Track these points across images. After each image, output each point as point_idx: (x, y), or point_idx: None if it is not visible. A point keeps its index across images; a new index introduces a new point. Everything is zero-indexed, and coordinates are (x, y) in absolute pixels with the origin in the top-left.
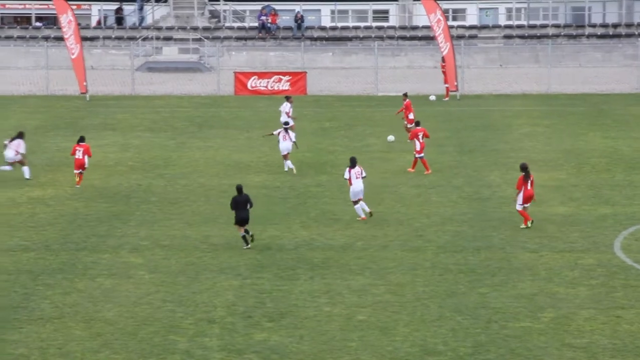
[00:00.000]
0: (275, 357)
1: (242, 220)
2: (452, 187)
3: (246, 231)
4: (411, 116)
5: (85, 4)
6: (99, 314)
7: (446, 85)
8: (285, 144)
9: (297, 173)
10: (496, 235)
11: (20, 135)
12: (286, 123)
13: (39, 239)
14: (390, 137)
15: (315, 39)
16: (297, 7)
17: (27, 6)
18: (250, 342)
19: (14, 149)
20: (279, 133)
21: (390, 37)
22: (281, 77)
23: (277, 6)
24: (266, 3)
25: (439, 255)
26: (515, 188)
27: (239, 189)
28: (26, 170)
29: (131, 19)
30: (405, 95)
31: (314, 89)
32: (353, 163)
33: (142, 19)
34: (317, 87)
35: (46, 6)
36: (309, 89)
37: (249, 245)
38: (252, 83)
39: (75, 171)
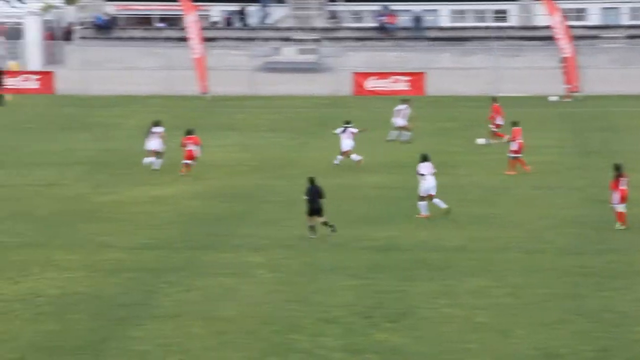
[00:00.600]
0: (395, 358)
1: (313, 210)
2: (573, 189)
3: (325, 223)
4: (499, 121)
5: (205, 5)
6: (219, 313)
7: (567, 86)
8: (348, 142)
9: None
10: (619, 238)
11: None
12: (347, 122)
13: (161, 237)
14: (481, 140)
15: (434, 39)
16: (416, 8)
17: (150, 8)
18: (370, 342)
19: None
20: (342, 131)
21: (510, 37)
22: (399, 77)
23: (396, 6)
24: (385, 3)
25: (558, 258)
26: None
27: (312, 180)
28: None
29: (251, 19)
30: (494, 99)
31: (432, 90)
32: (424, 158)
33: (265, 16)
34: (436, 87)
35: (168, 7)
36: (427, 90)
37: (314, 236)
38: (370, 83)
39: (186, 161)
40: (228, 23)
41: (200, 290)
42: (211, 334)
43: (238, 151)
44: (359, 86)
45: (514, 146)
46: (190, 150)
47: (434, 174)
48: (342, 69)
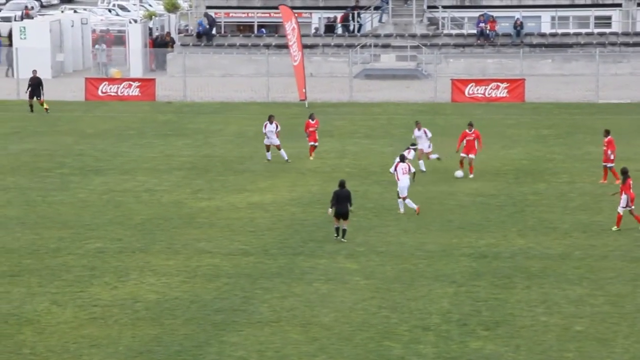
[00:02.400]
0: None
1: (341, 214)
2: None
3: (343, 230)
4: (612, 156)
5: (306, 12)
6: (315, 319)
7: None
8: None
9: (514, 181)
10: None
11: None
12: (413, 144)
13: (258, 243)
14: (459, 173)
15: (535, 46)
16: (517, 14)
17: (250, 15)
18: (465, 351)
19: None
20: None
21: (612, 44)
22: (499, 84)
23: (496, 13)
24: (485, 10)
25: None
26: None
27: (342, 183)
28: (284, 154)
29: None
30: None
31: (532, 96)
32: (402, 158)
33: (382, 14)
34: (536, 94)
35: (268, 14)
36: (527, 96)
37: (339, 237)
38: (469, 90)
39: (312, 144)
40: (329, 29)
41: (296, 297)
42: (307, 340)
43: (335, 157)
44: (457, 93)
45: (611, 155)
46: (314, 132)
47: (410, 174)
48: (440, 76)
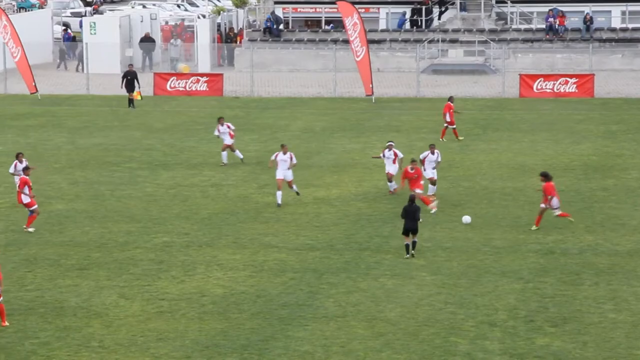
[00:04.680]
0: None
1: (409, 230)
2: None
3: (413, 242)
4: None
5: (373, 7)
6: (381, 314)
7: None
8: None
9: (583, 176)
10: None
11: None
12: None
13: (324, 238)
14: (466, 219)
15: (604, 41)
16: (586, 9)
17: (318, 10)
18: (532, 347)
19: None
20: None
21: None
22: (568, 79)
23: (565, 8)
24: (554, 5)
25: None
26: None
27: (412, 198)
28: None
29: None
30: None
31: (601, 92)
32: (389, 147)
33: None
34: (605, 89)
35: (336, 10)
36: (596, 91)
37: (409, 255)
38: (537, 85)
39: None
40: (400, 24)
41: (362, 292)
42: (373, 335)
43: (402, 153)
44: (526, 88)
45: None
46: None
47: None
48: (509, 71)
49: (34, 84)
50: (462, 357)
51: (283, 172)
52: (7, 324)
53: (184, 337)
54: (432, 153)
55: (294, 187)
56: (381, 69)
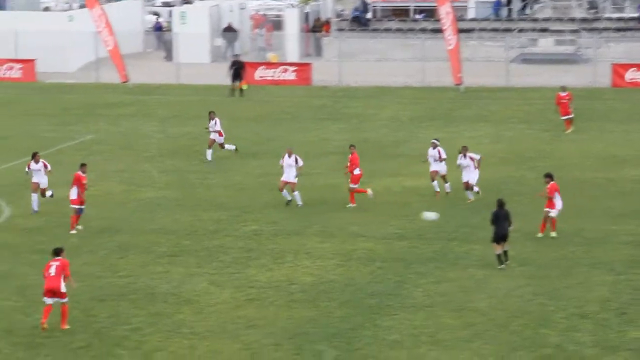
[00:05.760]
0: None
1: (500, 236)
2: None
3: (504, 252)
4: None
5: None
6: (470, 304)
7: None
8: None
9: None
10: None
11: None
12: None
13: (413, 227)
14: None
15: None
16: None
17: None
18: (624, 339)
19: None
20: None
21: None
22: None
23: None
24: None
25: None
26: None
27: (500, 203)
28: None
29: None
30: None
31: None
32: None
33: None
34: None
35: None
36: None
37: (503, 266)
38: (630, 75)
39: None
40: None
41: (451, 282)
42: (462, 325)
43: (490, 142)
44: (618, 78)
45: None
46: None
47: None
48: (601, 60)
49: (125, 72)
50: (553, 348)
51: (287, 176)
52: (67, 326)
53: (273, 325)
54: (433, 148)
55: (296, 194)
56: (470, 58)
